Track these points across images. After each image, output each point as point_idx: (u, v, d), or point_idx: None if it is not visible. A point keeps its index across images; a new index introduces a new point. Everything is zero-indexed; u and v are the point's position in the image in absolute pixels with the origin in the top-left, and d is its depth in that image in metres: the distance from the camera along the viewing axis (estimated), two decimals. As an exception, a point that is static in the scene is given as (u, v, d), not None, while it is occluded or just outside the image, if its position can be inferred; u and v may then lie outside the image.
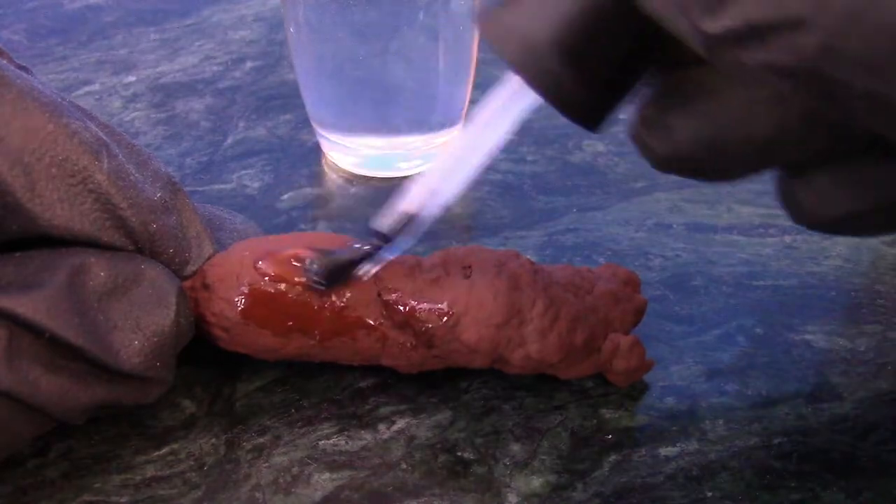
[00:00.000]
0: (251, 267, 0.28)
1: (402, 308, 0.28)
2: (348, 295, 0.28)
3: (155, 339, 0.27)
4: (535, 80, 0.22)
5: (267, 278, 0.28)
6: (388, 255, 0.28)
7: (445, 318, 0.28)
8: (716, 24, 0.17)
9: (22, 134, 0.26)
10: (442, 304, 0.28)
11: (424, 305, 0.28)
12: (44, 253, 0.27)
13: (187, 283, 0.29)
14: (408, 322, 0.28)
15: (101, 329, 0.26)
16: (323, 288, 0.28)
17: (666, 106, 0.21)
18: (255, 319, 0.28)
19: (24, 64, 0.29)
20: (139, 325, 0.27)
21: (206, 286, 0.29)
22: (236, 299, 0.28)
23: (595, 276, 0.30)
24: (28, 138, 0.26)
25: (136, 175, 0.28)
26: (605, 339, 0.29)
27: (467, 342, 0.28)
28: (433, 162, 0.27)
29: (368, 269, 0.28)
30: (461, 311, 0.28)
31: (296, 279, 0.28)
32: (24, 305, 0.25)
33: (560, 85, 0.22)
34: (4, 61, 0.27)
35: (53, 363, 0.26)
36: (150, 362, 0.27)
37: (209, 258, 0.30)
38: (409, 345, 0.29)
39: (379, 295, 0.28)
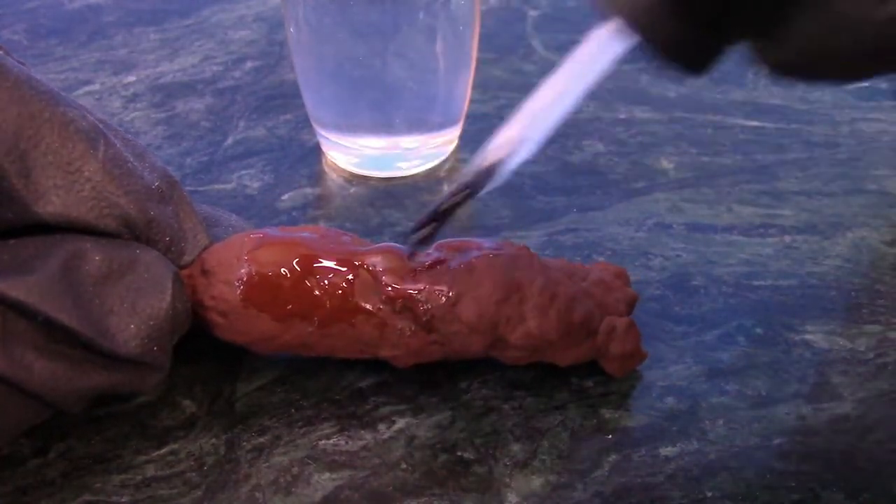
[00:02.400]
0: (251, 251, 0.29)
1: (402, 290, 0.28)
2: (349, 278, 0.28)
3: (151, 324, 0.27)
4: (633, 22, 0.21)
5: (267, 262, 0.28)
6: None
7: (445, 298, 0.28)
8: None
9: (18, 121, 0.26)
10: (441, 284, 0.28)
11: (424, 286, 0.28)
12: (39, 239, 0.27)
13: (185, 271, 0.29)
14: (407, 304, 0.28)
15: (97, 313, 0.26)
16: (423, 248, 0.28)
17: (787, 8, 0.21)
18: (255, 303, 0.28)
19: (23, 60, 0.29)
20: (135, 310, 0.27)
21: (204, 272, 0.29)
22: (236, 282, 0.28)
23: (587, 268, 0.31)
24: (24, 125, 0.26)
25: (134, 164, 0.28)
26: (601, 321, 0.29)
27: (468, 320, 0.28)
28: (520, 109, 0.26)
29: (447, 217, 0.28)
30: (461, 290, 0.28)
31: (294, 263, 0.28)
32: (17, 288, 0.25)
33: (658, 25, 0.21)
34: (2, 52, 0.27)
35: (48, 348, 0.26)
36: (147, 347, 0.27)
37: (205, 249, 0.30)
38: (407, 331, 0.29)
39: (378, 279, 0.28)
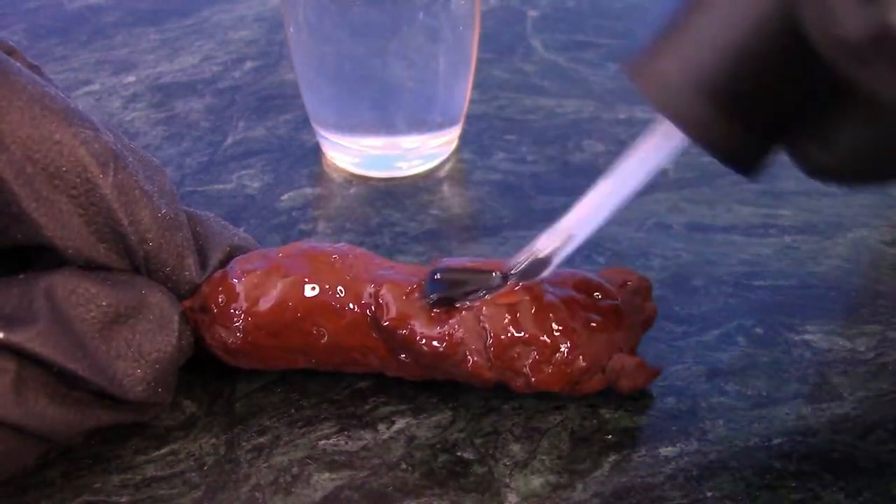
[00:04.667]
0: (251, 293, 0.28)
1: (403, 333, 0.28)
2: (351, 319, 0.28)
3: (157, 367, 0.27)
4: (686, 125, 0.21)
5: (268, 305, 0.28)
6: (504, 287, 0.28)
7: (444, 348, 0.28)
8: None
9: (27, 143, 0.25)
10: (441, 333, 0.28)
11: (424, 331, 0.28)
12: (45, 278, 0.26)
13: (186, 303, 0.29)
14: (407, 349, 0.28)
15: (104, 360, 0.26)
16: (431, 301, 0.28)
17: (828, 116, 0.21)
18: (255, 346, 0.28)
19: (35, 63, 0.29)
20: (141, 353, 0.27)
21: (205, 310, 0.29)
22: (236, 326, 0.28)
23: (604, 289, 0.30)
24: (33, 148, 0.25)
25: (146, 187, 0.28)
26: (609, 359, 0.29)
27: (466, 371, 0.28)
28: (571, 208, 0.27)
29: (476, 298, 0.28)
30: (460, 341, 0.28)
31: (294, 306, 0.28)
32: (33, 340, 0.25)
33: (710, 129, 0.21)
34: (18, 64, 0.27)
35: (58, 392, 0.26)
36: (153, 390, 0.27)
37: (208, 277, 0.29)
38: (409, 361, 0.29)
39: (378, 321, 0.28)
